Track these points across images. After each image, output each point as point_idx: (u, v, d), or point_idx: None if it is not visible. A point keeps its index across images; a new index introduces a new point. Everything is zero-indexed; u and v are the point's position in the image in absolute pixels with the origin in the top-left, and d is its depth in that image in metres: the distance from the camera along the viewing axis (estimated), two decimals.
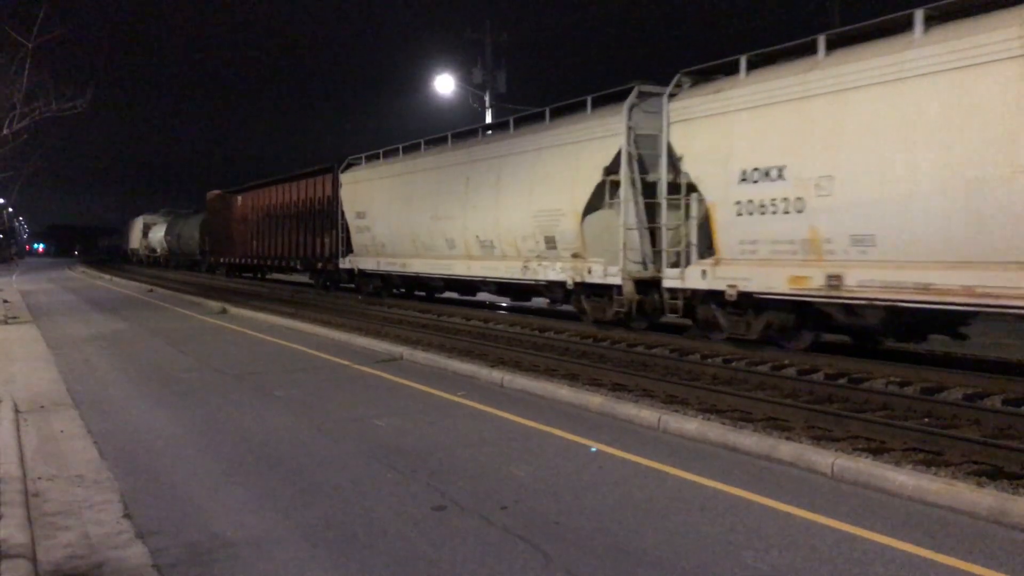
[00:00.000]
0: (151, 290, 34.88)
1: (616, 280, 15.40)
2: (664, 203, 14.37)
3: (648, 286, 15.16)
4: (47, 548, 5.37)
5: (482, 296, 23.94)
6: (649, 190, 15.16)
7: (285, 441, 8.42)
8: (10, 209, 69.36)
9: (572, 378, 11.55)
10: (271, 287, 35.99)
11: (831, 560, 5.19)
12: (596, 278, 16.01)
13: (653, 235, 15.19)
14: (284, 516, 6.11)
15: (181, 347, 16.01)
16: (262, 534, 5.73)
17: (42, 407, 9.93)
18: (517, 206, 18.37)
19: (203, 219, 51.00)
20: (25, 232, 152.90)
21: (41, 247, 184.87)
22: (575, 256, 16.66)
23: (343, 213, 27.81)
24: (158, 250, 69.13)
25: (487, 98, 35.20)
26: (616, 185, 15.64)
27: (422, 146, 23.75)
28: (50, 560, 5.18)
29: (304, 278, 36.87)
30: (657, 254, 14.93)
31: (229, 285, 38.46)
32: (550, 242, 17.32)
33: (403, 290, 26.79)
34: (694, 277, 13.62)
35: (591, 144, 16.24)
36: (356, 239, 26.89)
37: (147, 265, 71.81)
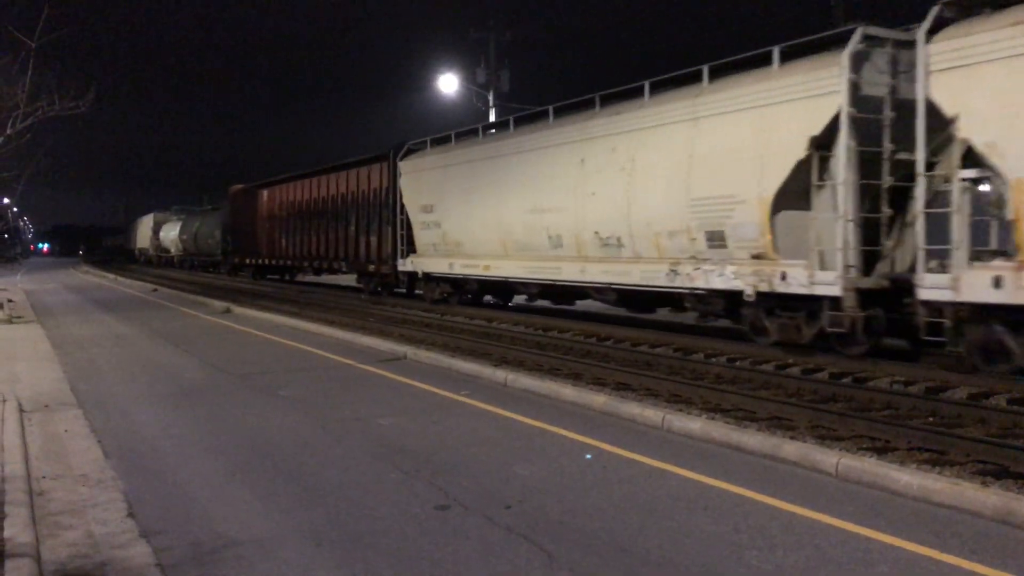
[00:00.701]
0: (155, 289, 34.91)
1: (830, 290, 11.57)
2: (922, 183, 10.69)
3: (871, 298, 11.60)
4: (51, 547, 5.37)
5: (584, 305, 20.03)
6: (868, 168, 11.72)
7: (289, 441, 8.42)
8: (14, 209, 68.87)
9: (576, 377, 11.54)
10: (302, 291, 31.99)
11: (836, 560, 5.17)
12: (794, 287, 12.11)
13: (870, 229, 11.80)
14: (288, 515, 6.11)
15: (185, 347, 16.03)
16: (266, 533, 5.73)
17: (46, 406, 9.95)
18: (663, 193, 14.41)
19: (224, 216, 46.44)
20: (29, 232, 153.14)
21: (46, 247, 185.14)
22: (758, 257, 12.80)
23: (403, 207, 23.89)
24: (172, 250, 64.34)
25: (491, 98, 35.18)
26: (827, 162, 11.95)
27: (511, 124, 19.93)
28: (54, 559, 5.18)
29: (345, 280, 33.53)
30: (870, 255, 11.80)
31: (261, 289, 34.46)
32: (715, 239, 13.42)
33: (470, 296, 22.77)
34: (979, 286, 9.96)
35: (788, 108, 12.35)
36: (421, 237, 22.97)
37: (158, 266, 67.79)
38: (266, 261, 38.31)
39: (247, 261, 41.21)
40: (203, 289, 33.58)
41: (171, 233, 63.90)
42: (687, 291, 14.18)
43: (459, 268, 21.29)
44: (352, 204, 28.24)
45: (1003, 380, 10.02)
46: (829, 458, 7.08)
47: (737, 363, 12.32)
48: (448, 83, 35.51)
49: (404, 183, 23.91)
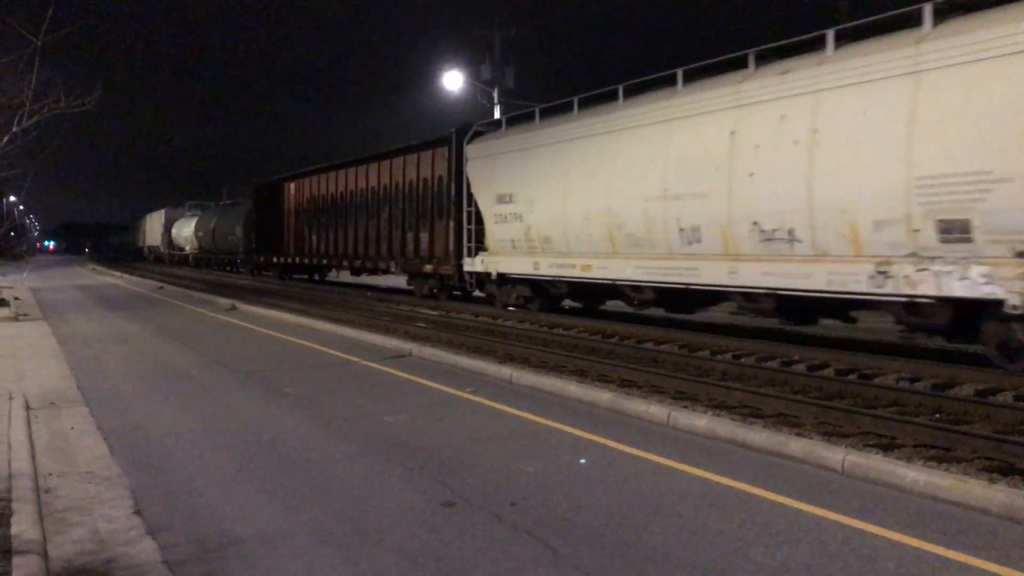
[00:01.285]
0: (161, 287, 34.99)
1: None
2: None
3: None
4: (58, 544, 5.39)
5: (714, 313, 17.56)
6: None
7: (294, 438, 8.43)
8: (20, 207, 68.82)
9: (581, 374, 11.54)
10: (338, 293, 28.85)
11: (841, 556, 5.16)
12: None
13: None
14: (294, 512, 6.12)
15: (190, 344, 16.06)
16: (272, 530, 5.74)
17: (52, 404, 9.97)
18: (864, 171, 11.24)
19: (247, 212, 42.81)
20: (36, 230, 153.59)
21: (52, 245, 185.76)
22: None
23: (471, 198, 20.85)
24: (186, 247, 60.63)
25: (495, 94, 35.17)
26: None
27: (619, 95, 16.32)
28: (61, 556, 5.20)
29: (391, 282, 30.77)
30: None
31: (288, 290, 31.37)
32: (952, 230, 10.27)
33: (553, 301, 19.77)
34: None
35: None
36: (495, 232, 19.70)
37: (170, 264, 64.91)
38: (294, 260, 35.83)
39: (273, 260, 38.23)
40: (230, 291, 30.14)
41: (185, 230, 60.42)
42: (903, 299, 10.95)
43: (547, 269, 17.93)
44: (401, 196, 25.69)
45: (1009, 376, 10.00)
46: (835, 455, 7.07)
47: (743, 360, 12.31)
48: (453, 80, 35.52)
49: (472, 170, 20.75)
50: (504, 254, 19.68)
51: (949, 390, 9.89)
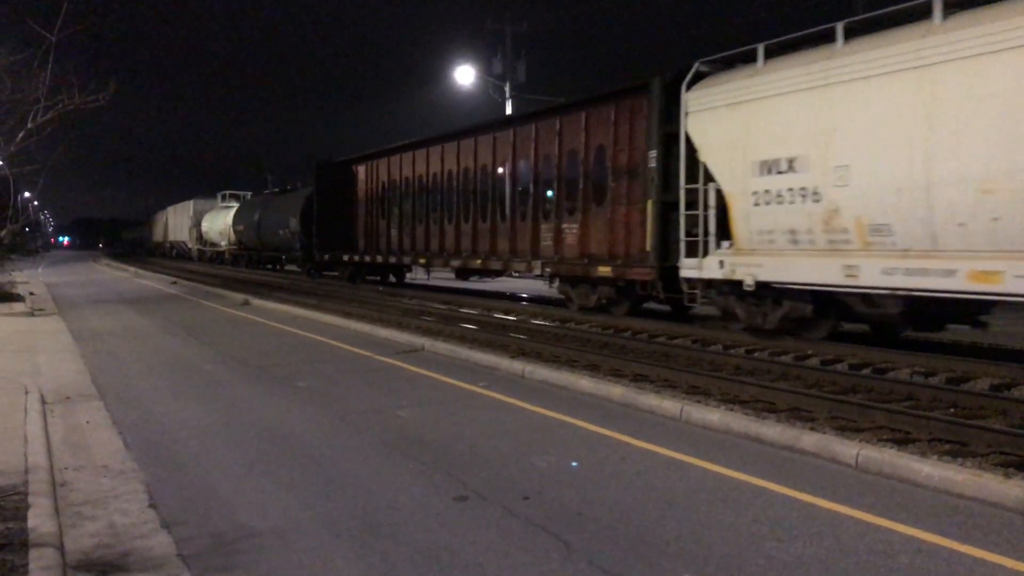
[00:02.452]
0: (174, 282, 35.15)
1: None
2: None
3: None
4: (74, 537, 5.43)
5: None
6: None
7: (308, 432, 8.46)
8: (35, 203, 68.71)
9: (593, 369, 11.53)
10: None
11: (855, 551, 5.14)
12: None
13: None
14: (307, 506, 6.14)
15: (204, 338, 16.13)
16: (286, 524, 5.76)
17: (68, 398, 10.04)
18: None
19: (304, 201, 35.49)
20: (50, 225, 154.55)
21: (66, 240, 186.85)
22: None
23: (691, 168, 14.45)
24: (221, 243, 52.46)
25: (507, 88, 35.14)
26: None
27: None
28: (77, 549, 5.23)
29: (518, 286, 27.82)
30: None
31: (386, 300, 23.48)
32: None
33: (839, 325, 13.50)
34: None
35: None
36: (752, 220, 13.21)
37: (204, 262, 57.02)
38: (368, 258, 29.37)
39: (344, 258, 31.15)
40: (327, 300, 23.13)
41: (219, 223, 52.53)
42: None
43: (876, 276, 11.24)
44: (543, 173, 19.55)
45: None
46: (849, 449, 7.04)
47: (756, 354, 12.27)
48: (465, 75, 35.56)
49: (700, 127, 14.30)
50: (766, 252, 13.01)
51: (964, 384, 9.84)
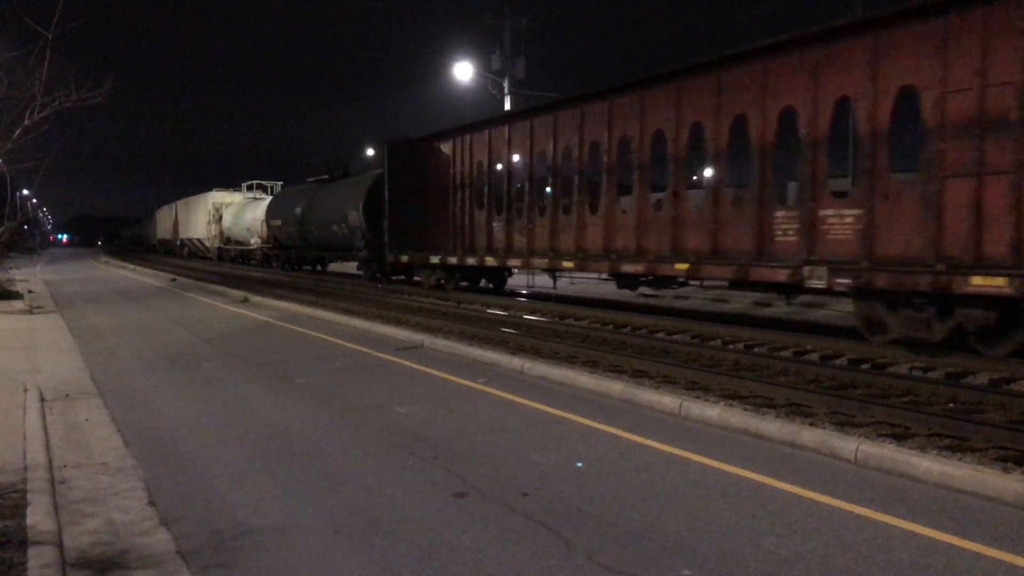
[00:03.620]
0: (174, 279, 35.13)
1: None
2: None
3: None
4: (73, 535, 5.42)
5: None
6: None
7: (307, 429, 8.46)
8: (33, 200, 68.23)
9: (593, 365, 11.53)
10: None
11: (855, 546, 5.14)
12: None
13: None
14: (307, 503, 6.14)
15: (203, 336, 16.12)
16: (285, 521, 5.76)
17: (67, 396, 10.04)
18: None
19: (369, 189, 28.21)
20: (49, 223, 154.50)
21: (65, 237, 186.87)
22: None
23: None
24: (251, 241, 44.75)
25: (506, 84, 35.09)
26: None
27: None
28: (76, 546, 5.23)
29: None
30: None
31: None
32: None
33: None
34: None
35: None
36: None
37: (226, 262, 50.47)
38: (462, 261, 22.50)
39: (429, 260, 23.91)
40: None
41: (246, 217, 45.15)
42: None
43: None
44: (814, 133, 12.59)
45: None
46: (848, 444, 7.05)
47: (755, 350, 12.28)
48: (463, 71, 35.46)
49: None
50: None
51: (963, 379, 9.85)
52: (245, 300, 23.89)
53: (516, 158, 20.82)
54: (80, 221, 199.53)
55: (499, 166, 21.48)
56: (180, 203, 65.18)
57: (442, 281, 24.22)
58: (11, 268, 38.51)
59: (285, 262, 40.51)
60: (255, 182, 53.76)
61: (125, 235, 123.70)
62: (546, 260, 19.02)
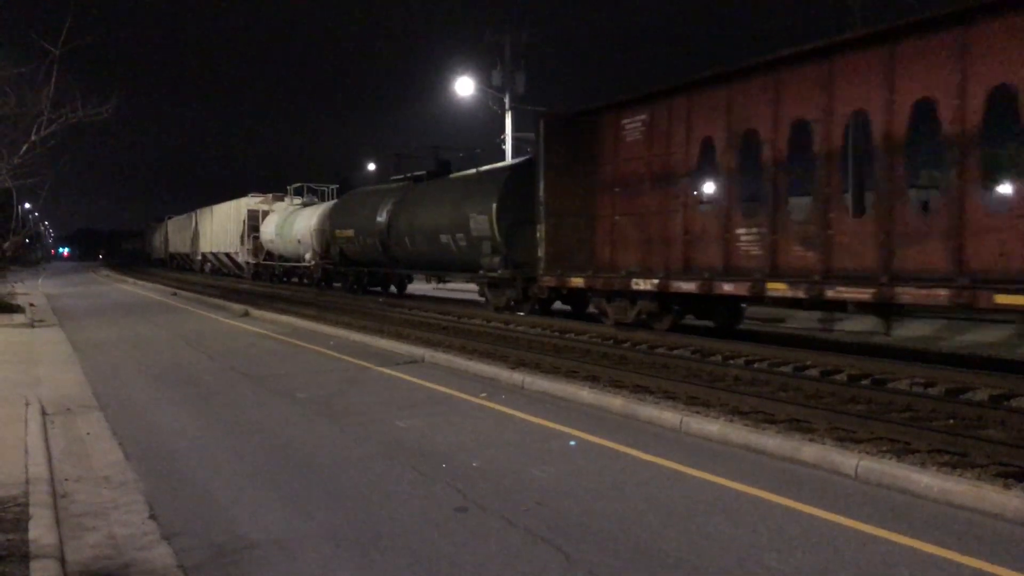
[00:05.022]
0: (174, 293, 35.16)
1: None
2: None
3: None
4: (75, 548, 5.43)
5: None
6: None
7: (308, 443, 8.47)
8: (35, 214, 67.99)
9: (593, 380, 11.54)
10: None
11: (855, 562, 5.15)
12: None
13: None
14: (308, 517, 6.15)
15: (204, 349, 16.14)
16: (286, 535, 5.77)
17: (68, 409, 10.05)
18: None
19: (505, 184, 20.82)
20: (51, 236, 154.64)
21: (66, 251, 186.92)
22: None
23: None
24: (304, 255, 35.69)
25: (506, 100, 35.23)
26: None
27: None
28: (78, 560, 5.24)
29: None
30: None
31: None
32: None
33: None
34: None
35: None
36: None
37: (264, 280, 42.25)
38: (670, 286, 15.07)
39: (631, 285, 15.90)
40: None
41: (296, 227, 36.13)
42: None
43: None
44: None
45: None
46: (848, 460, 7.06)
47: (755, 365, 12.29)
48: (464, 86, 35.59)
49: None
50: None
51: (963, 395, 9.85)
52: (245, 314, 23.92)
53: (790, 132, 13.20)
54: (82, 235, 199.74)
55: (751, 141, 13.94)
56: (201, 212, 56.01)
57: (644, 316, 16.17)
58: (16, 282, 38.52)
59: (355, 283, 31.60)
60: (303, 184, 43.30)
61: (125, 248, 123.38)
62: (869, 290, 11.40)
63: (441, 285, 28.62)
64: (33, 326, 20.50)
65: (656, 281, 15.28)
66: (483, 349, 14.78)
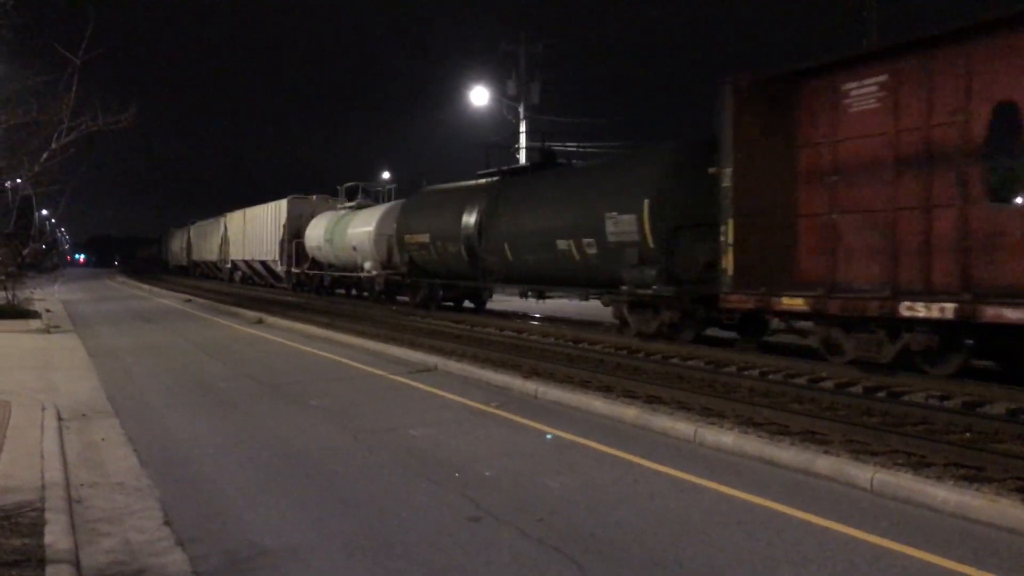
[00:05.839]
0: (188, 300, 35.33)
1: None
2: None
3: None
4: (90, 554, 5.46)
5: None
6: None
7: (321, 450, 8.48)
8: (52, 220, 68.21)
9: (606, 390, 11.51)
10: None
11: None
12: None
13: None
14: (321, 525, 6.16)
15: (218, 356, 16.21)
16: (299, 542, 5.78)
17: (83, 415, 10.11)
18: None
19: (658, 178, 15.68)
20: (67, 243, 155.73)
21: (82, 257, 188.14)
22: None
23: None
24: (364, 266, 30.23)
25: (521, 110, 35.33)
26: None
27: None
28: (93, 566, 5.26)
29: None
30: None
31: None
32: None
33: None
34: None
35: None
36: None
37: (307, 291, 36.94)
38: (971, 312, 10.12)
39: (858, 309, 11.55)
40: None
41: (355, 231, 30.75)
42: None
43: None
44: None
45: None
46: (864, 473, 7.01)
47: (770, 376, 12.22)
48: (479, 96, 35.74)
49: None
50: None
51: (980, 408, 9.77)
52: (259, 321, 24.00)
53: None
54: (98, 241, 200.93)
55: None
56: (231, 216, 50.48)
57: (915, 354, 11.39)
58: (34, 289, 38.78)
59: (427, 297, 25.89)
60: (357, 184, 37.07)
61: (141, 255, 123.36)
62: None
63: (541, 302, 22.79)
64: (49, 332, 20.65)
65: (952, 306, 10.36)
66: (496, 358, 14.77)
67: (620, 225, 16.20)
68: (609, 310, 17.69)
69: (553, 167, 21.90)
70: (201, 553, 5.53)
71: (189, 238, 67.91)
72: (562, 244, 18.00)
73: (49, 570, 4.90)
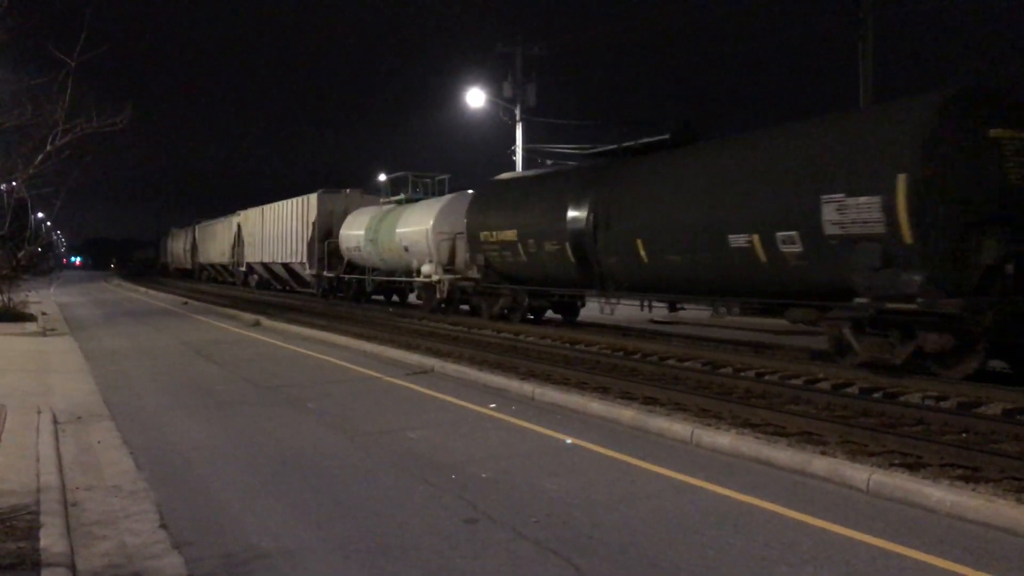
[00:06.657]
0: (185, 302, 35.29)
1: None
2: None
3: None
4: (85, 557, 5.44)
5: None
6: None
7: (318, 453, 8.47)
8: (48, 223, 67.83)
9: (603, 391, 11.51)
10: None
11: None
12: None
13: None
14: (317, 527, 6.15)
15: (215, 359, 16.19)
16: (296, 545, 5.77)
17: (79, 418, 10.09)
18: None
19: (928, 136, 10.65)
20: (63, 245, 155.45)
21: (78, 260, 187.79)
22: None
23: None
24: (421, 270, 25.04)
25: (517, 112, 35.33)
26: None
27: None
28: (89, 569, 5.25)
29: None
30: None
31: None
32: None
33: None
34: None
35: None
36: None
37: (345, 298, 32.26)
38: None
39: None
40: None
41: (406, 230, 26.19)
42: None
43: None
44: None
45: None
46: (860, 474, 7.01)
47: (766, 377, 12.23)
48: (475, 98, 35.70)
49: None
50: None
51: (976, 409, 9.78)
52: (257, 324, 23.98)
53: None
54: (94, 244, 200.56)
55: None
56: (247, 214, 45.20)
57: None
58: (29, 292, 38.69)
59: (508, 308, 21.33)
60: (407, 174, 30.75)
61: (138, 258, 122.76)
62: None
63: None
64: (45, 335, 20.62)
65: None
66: (493, 360, 14.76)
67: (850, 212, 11.68)
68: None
69: (704, 142, 16.52)
70: (197, 556, 5.51)
71: (194, 239, 62.99)
72: (738, 240, 13.63)
73: (44, 573, 4.89)
